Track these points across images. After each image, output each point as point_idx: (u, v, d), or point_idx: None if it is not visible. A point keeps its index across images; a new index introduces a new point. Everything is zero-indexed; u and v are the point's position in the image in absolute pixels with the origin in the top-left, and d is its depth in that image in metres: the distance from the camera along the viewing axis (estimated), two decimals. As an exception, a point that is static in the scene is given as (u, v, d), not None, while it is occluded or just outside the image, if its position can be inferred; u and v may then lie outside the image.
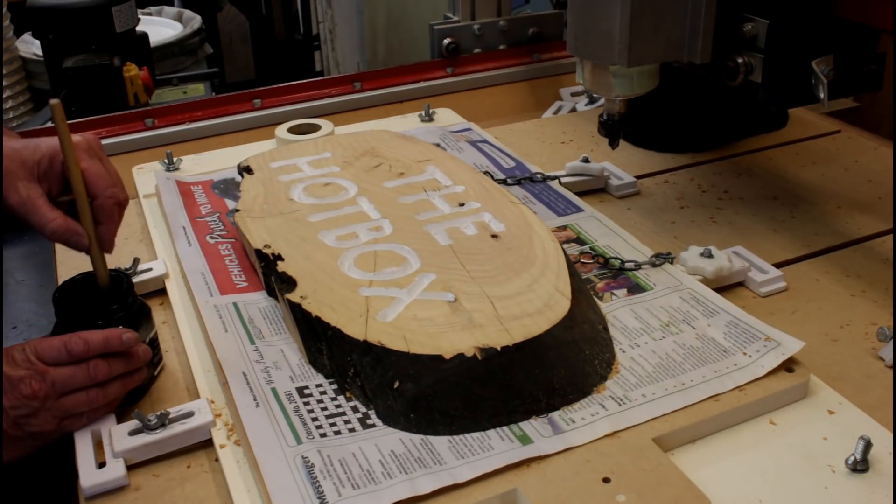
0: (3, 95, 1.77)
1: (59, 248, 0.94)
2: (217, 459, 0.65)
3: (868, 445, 0.63)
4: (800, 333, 0.74)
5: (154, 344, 0.74)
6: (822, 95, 0.82)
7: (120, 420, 0.68)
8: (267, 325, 0.78)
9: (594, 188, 1.07)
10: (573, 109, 1.36)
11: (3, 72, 1.77)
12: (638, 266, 0.86)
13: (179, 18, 2.16)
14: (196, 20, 2.11)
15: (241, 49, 3.13)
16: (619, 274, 0.85)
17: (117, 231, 0.73)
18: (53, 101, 0.67)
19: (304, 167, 1.00)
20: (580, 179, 1.06)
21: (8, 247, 0.96)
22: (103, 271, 0.72)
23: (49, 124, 1.28)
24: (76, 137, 0.71)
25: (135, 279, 0.83)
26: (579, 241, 0.92)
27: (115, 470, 0.63)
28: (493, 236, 0.85)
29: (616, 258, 0.87)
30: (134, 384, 0.69)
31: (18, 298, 0.87)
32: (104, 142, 1.21)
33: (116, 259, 0.91)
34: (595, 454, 0.63)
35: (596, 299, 0.81)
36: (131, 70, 1.45)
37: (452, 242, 0.84)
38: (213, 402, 0.70)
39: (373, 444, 0.64)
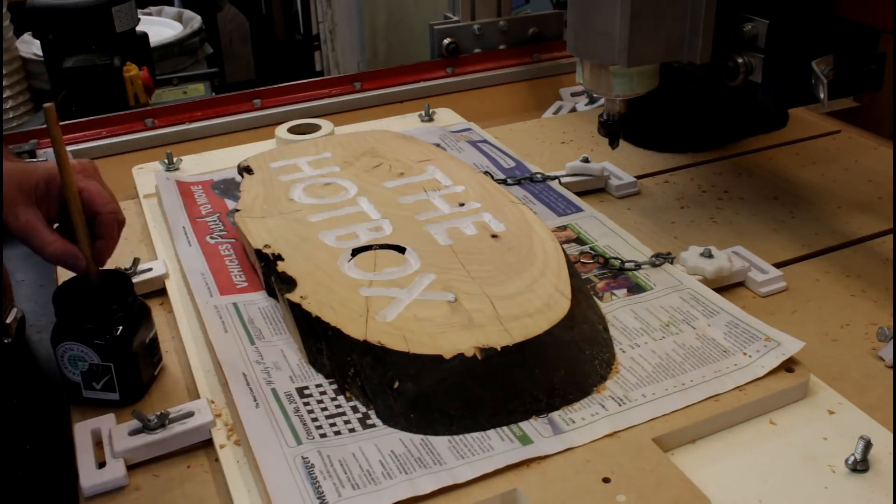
0: (3, 95, 1.77)
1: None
2: (217, 459, 0.65)
3: (868, 445, 0.63)
4: (800, 333, 0.74)
5: (154, 344, 0.74)
6: (822, 95, 0.82)
7: (120, 420, 0.68)
8: (267, 326, 0.78)
9: (594, 188, 1.07)
10: (573, 109, 1.36)
11: (4, 72, 1.77)
12: (638, 266, 0.86)
13: (179, 18, 2.16)
14: (196, 20, 2.11)
15: (241, 49, 3.13)
16: (619, 274, 0.85)
17: (115, 248, 0.74)
18: (47, 105, 0.66)
19: (305, 167, 1.00)
20: (580, 179, 1.06)
21: (8, 247, 0.96)
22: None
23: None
24: (71, 161, 0.71)
25: (135, 279, 0.83)
26: (579, 241, 0.92)
27: (115, 470, 0.63)
28: (493, 236, 0.85)
29: (616, 258, 0.87)
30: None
31: (18, 298, 0.87)
32: (104, 142, 1.21)
33: (116, 259, 0.91)
34: (595, 454, 0.63)
35: (596, 299, 0.81)
36: (131, 70, 1.45)
37: (452, 242, 0.84)
38: (213, 402, 0.70)
39: (373, 444, 0.64)
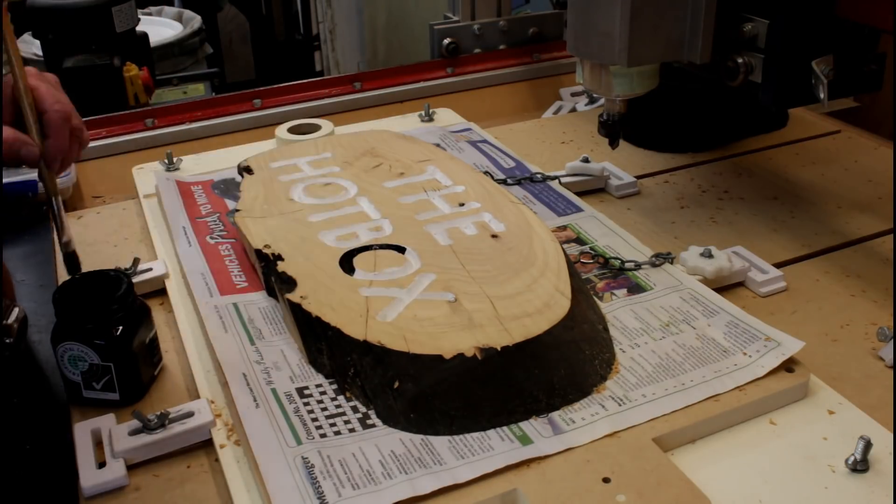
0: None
1: (59, 249, 0.94)
2: (217, 459, 0.65)
3: (868, 445, 0.63)
4: (800, 333, 0.74)
5: (154, 344, 0.74)
6: (822, 95, 0.82)
7: (120, 420, 0.68)
8: (267, 326, 0.78)
9: (594, 188, 1.07)
10: (573, 109, 1.36)
11: (4, 72, 1.77)
12: (638, 266, 0.86)
13: (179, 18, 2.16)
14: (196, 20, 2.11)
15: (241, 49, 3.13)
16: (619, 274, 0.85)
17: (67, 149, 0.71)
18: None
19: (305, 167, 1.00)
20: (580, 179, 1.06)
21: (8, 247, 0.96)
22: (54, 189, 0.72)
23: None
24: (28, 68, 0.69)
25: (135, 279, 0.83)
26: (579, 241, 0.92)
27: (115, 470, 0.63)
28: (494, 236, 0.85)
29: (616, 258, 0.87)
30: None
31: (18, 298, 0.87)
32: (104, 142, 1.21)
33: (116, 259, 0.91)
34: (595, 454, 0.63)
35: (596, 299, 0.81)
36: (131, 70, 1.45)
37: (452, 242, 0.84)
38: (213, 402, 0.70)
39: (373, 444, 0.64)
